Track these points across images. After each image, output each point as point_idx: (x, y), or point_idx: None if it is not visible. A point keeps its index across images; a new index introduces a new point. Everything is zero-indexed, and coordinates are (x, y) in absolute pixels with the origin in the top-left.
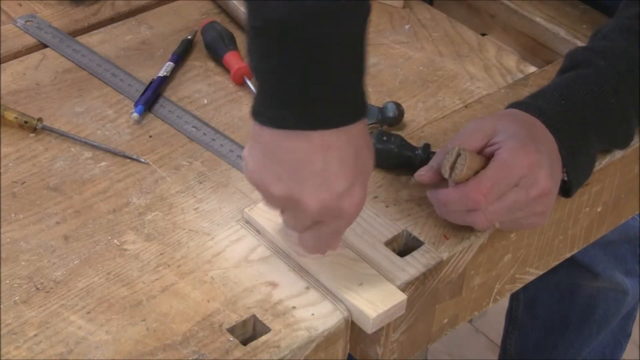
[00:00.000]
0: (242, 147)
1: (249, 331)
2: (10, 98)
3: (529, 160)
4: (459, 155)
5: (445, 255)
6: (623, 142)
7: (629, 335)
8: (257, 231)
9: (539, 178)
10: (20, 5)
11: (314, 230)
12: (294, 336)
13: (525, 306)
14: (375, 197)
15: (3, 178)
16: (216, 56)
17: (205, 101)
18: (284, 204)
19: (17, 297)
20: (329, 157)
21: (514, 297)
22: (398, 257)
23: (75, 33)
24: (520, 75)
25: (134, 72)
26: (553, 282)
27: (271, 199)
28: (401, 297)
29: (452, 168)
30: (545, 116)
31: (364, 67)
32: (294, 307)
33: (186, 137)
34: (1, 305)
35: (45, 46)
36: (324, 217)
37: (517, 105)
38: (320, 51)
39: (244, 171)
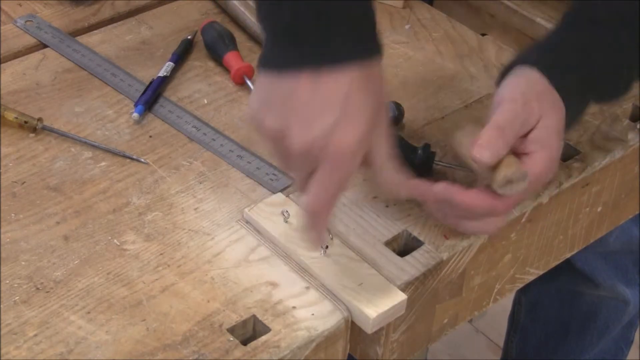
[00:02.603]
0: (242, 147)
1: (249, 331)
2: (10, 98)
3: (554, 170)
4: (524, 176)
5: (445, 255)
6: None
7: (631, 342)
8: (257, 231)
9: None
10: (20, 5)
11: (313, 181)
12: (294, 336)
13: (527, 310)
14: (375, 197)
15: (3, 178)
16: (216, 56)
17: (205, 101)
18: (277, 141)
19: (17, 297)
20: (318, 92)
21: (517, 301)
22: (398, 257)
23: (75, 33)
24: None
25: (134, 72)
26: (555, 288)
27: (266, 136)
28: (401, 297)
29: (509, 181)
30: (567, 100)
31: (365, 6)
32: (294, 307)
33: (186, 137)
34: (1, 305)
35: (45, 46)
36: (308, 152)
37: (548, 73)
38: None
39: (246, 113)
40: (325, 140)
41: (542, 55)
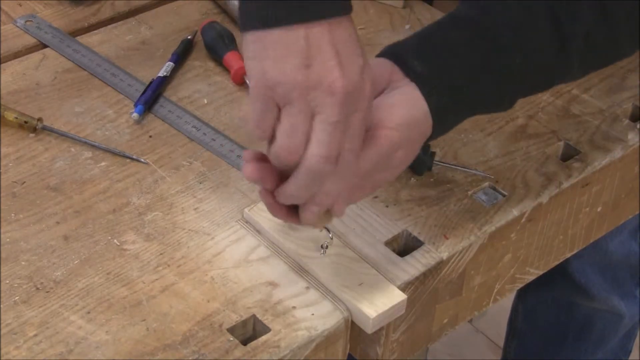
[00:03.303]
0: (242, 147)
1: (249, 331)
2: (10, 98)
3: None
4: None
5: (445, 255)
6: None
7: (630, 352)
8: (257, 231)
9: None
10: (20, 5)
11: (341, 126)
12: (294, 336)
13: (525, 317)
14: (375, 197)
15: (3, 178)
16: (216, 56)
17: (205, 101)
18: (310, 92)
19: (17, 297)
20: (340, 38)
21: (514, 307)
22: (398, 257)
23: (75, 33)
24: None
25: (134, 72)
26: (551, 297)
27: (295, 93)
28: (401, 297)
29: None
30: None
31: None
32: (294, 307)
33: (186, 137)
34: (1, 305)
35: (45, 46)
36: (351, 93)
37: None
38: None
39: (256, 81)
40: (362, 78)
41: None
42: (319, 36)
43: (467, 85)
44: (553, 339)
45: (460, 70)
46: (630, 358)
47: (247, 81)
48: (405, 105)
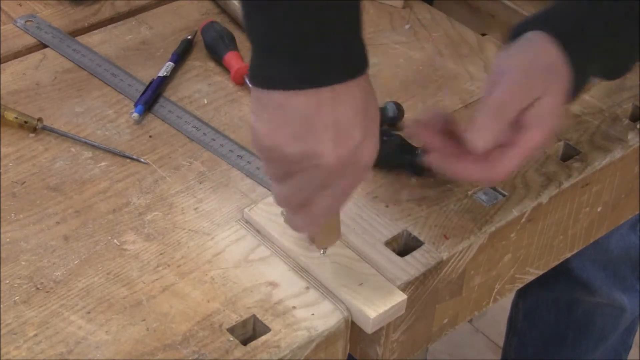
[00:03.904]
0: (242, 147)
1: (249, 331)
2: (10, 98)
3: (546, 146)
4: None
5: (445, 255)
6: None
7: (630, 347)
8: (257, 231)
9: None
10: (20, 5)
11: (329, 189)
12: (294, 336)
13: (525, 316)
14: (375, 197)
15: (3, 178)
16: (216, 56)
17: (205, 101)
18: (301, 164)
19: (17, 297)
20: (340, 109)
21: (514, 305)
22: (398, 257)
23: (75, 33)
24: None
25: (134, 72)
26: (551, 297)
27: (286, 161)
28: (401, 297)
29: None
30: (576, 73)
31: (361, 18)
32: (294, 307)
33: (186, 137)
34: (1, 305)
35: (45, 46)
36: (341, 169)
37: (565, 42)
38: (319, 4)
39: (253, 140)
40: (357, 150)
41: (559, 21)
42: (317, 106)
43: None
44: (553, 338)
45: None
46: (630, 354)
47: (248, 81)
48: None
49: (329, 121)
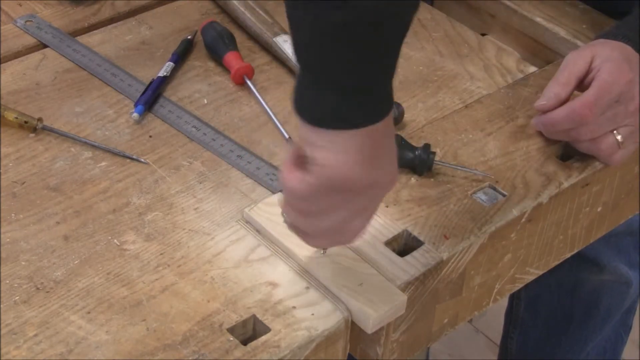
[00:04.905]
0: (242, 147)
1: (249, 331)
2: (10, 98)
3: (626, 78)
4: None
5: (445, 255)
6: None
7: (630, 328)
8: (257, 231)
9: (636, 94)
10: (20, 5)
11: (368, 212)
12: (294, 336)
13: (527, 305)
14: None
15: (3, 178)
16: (216, 56)
17: (205, 101)
18: (366, 190)
19: (17, 297)
20: (388, 140)
21: (514, 296)
22: (398, 257)
23: (75, 33)
24: (520, 75)
25: (134, 72)
26: (555, 281)
27: (350, 192)
28: (401, 297)
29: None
30: (633, 41)
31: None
32: (294, 307)
33: (186, 137)
34: (1, 305)
35: (45, 46)
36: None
37: (604, 36)
38: (386, 47)
39: (319, 176)
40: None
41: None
42: (381, 138)
43: None
44: (558, 324)
45: None
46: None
47: (247, 81)
48: None
49: (385, 151)
